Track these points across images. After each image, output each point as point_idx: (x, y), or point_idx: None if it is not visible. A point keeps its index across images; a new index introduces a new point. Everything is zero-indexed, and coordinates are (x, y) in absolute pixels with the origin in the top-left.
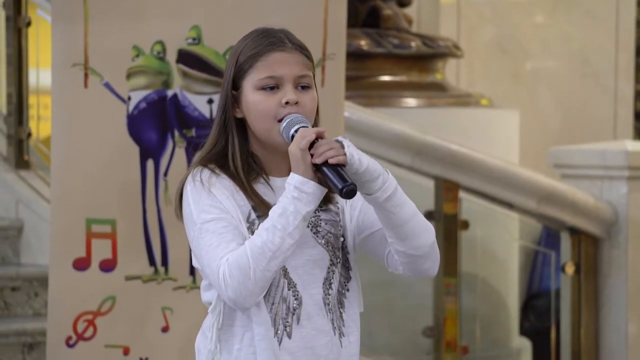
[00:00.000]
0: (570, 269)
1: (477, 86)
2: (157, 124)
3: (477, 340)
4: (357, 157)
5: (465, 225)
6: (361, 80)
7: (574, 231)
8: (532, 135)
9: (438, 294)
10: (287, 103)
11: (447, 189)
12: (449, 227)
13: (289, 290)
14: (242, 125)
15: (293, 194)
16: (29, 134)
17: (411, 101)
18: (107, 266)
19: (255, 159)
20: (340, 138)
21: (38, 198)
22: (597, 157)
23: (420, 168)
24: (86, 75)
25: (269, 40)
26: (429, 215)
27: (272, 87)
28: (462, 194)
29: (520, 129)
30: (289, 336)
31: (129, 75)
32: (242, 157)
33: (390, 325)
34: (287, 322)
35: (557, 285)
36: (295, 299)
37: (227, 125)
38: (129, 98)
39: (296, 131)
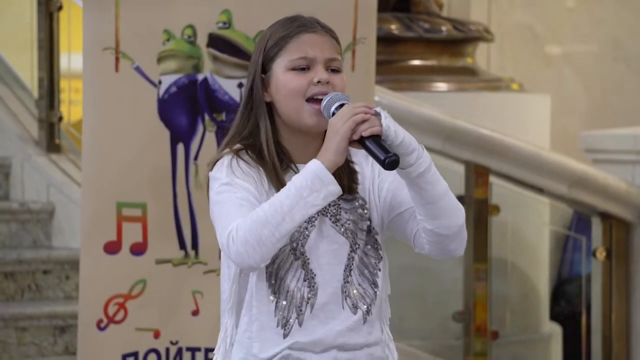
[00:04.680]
0: (601, 254)
1: (508, 70)
2: (187, 108)
3: (507, 326)
4: (393, 129)
5: (496, 210)
6: (392, 65)
7: (605, 216)
8: (564, 120)
9: (468, 279)
10: (319, 82)
11: (477, 174)
12: (479, 212)
13: (305, 281)
14: (270, 111)
15: (314, 186)
16: (60, 118)
17: (442, 85)
18: (138, 250)
19: (282, 149)
20: (378, 109)
21: (69, 182)
22: (629, 141)
23: (450, 152)
24: (117, 59)
25: (300, 22)
26: (459, 200)
27: (304, 67)
28: (492, 179)
29: (552, 114)
30: (300, 324)
31: (159, 59)
32: (274, 145)
33: (421, 310)
34: (301, 310)
35: (587, 271)
36: (311, 290)
37: (257, 111)
38: (160, 82)
39: (337, 108)
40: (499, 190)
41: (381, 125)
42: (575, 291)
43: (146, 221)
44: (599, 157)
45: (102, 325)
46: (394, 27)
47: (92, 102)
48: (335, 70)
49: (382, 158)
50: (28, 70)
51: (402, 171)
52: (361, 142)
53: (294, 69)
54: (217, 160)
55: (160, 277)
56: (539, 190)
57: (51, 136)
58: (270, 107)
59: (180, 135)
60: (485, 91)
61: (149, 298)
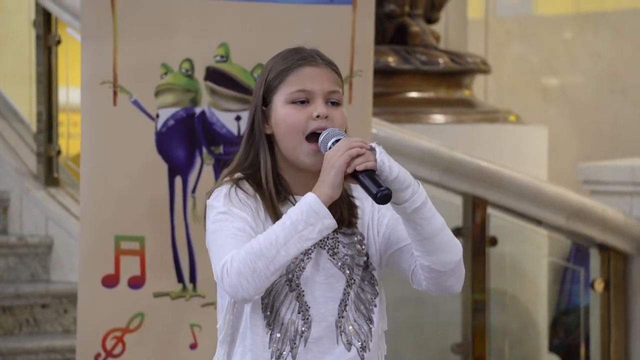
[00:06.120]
0: (599, 286)
1: (505, 102)
2: (185, 141)
3: (505, 357)
4: (388, 165)
5: (494, 241)
6: (389, 97)
7: (604, 248)
8: (561, 152)
9: (466, 310)
10: (317, 116)
11: (475, 205)
12: (477, 243)
13: (299, 313)
14: (270, 143)
15: (310, 219)
16: (59, 152)
17: (439, 117)
18: (136, 283)
19: (282, 180)
20: (373, 144)
21: (67, 215)
22: (627, 173)
23: (448, 184)
24: (115, 92)
25: (300, 55)
26: (457, 232)
27: (303, 101)
28: (490, 210)
29: (549, 145)
30: (294, 358)
31: (157, 93)
32: (272, 176)
33: (419, 341)
34: (295, 343)
35: (586, 302)
36: (305, 323)
37: (258, 142)
38: (158, 115)
39: (334, 143)
40: (497, 221)
41: (376, 160)
42: (574, 323)
43: (144, 254)
44: (596, 188)
45: (101, 359)
46: (391, 60)
47: (90, 136)
48: (335, 103)
49: (374, 192)
50: (26, 104)
51: (398, 207)
52: (355, 177)
53: (293, 103)
54: (216, 189)
55: (158, 310)
56: (537, 221)
57: (49, 170)
58: (271, 139)
59: (178, 168)
60: (482, 123)
61: (147, 332)
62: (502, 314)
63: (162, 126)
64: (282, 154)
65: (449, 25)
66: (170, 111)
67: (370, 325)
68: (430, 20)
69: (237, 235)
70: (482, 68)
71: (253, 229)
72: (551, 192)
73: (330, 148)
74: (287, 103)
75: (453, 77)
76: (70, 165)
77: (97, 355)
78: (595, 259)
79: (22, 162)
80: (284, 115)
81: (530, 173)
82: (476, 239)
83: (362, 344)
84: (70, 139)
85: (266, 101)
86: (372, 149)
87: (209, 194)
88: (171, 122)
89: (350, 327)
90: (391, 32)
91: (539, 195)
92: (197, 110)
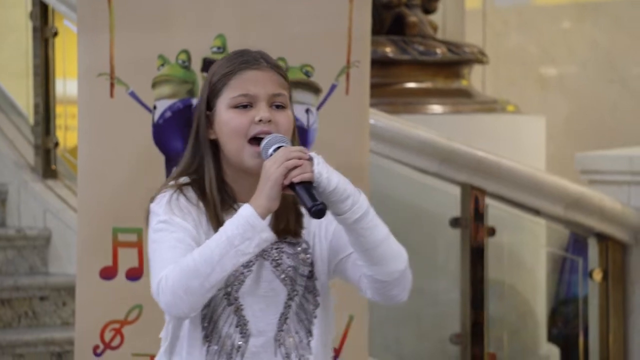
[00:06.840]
0: (597, 276)
1: (503, 92)
2: (182, 133)
3: (504, 348)
4: (326, 176)
5: (492, 231)
6: (386, 88)
7: (602, 237)
8: (559, 141)
9: (465, 301)
10: (260, 121)
11: (473, 196)
12: (475, 233)
13: (237, 327)
14: (215, 148)
15: (246, 233)
16: (56, 144)
17: (437, 108)
18: (134, 275)
19: (226, 187)
20: (312, 154)
21: (65, 207)
22: (625, 162)
23: (446, 175)
24: (112, 84)
25: (244, 58)
26: (455, 222)
27: (246, 105)
28: (488, 201)
29: (547, 135)
30: None
31: (154, 85)
32: (217, 184)
33: (418, 332)
34: (231, 357)
35: (584, 292)
36: (242, 337)
37: (201, 147)
38: (155, 107)
39: (275, 150)
40: (495, 212)
41: (313, 172)
42: (572, 312)
43: (142, 246)
44: (594, 178)
45: (99, 351)
46: (388, 50)
47: (87, 128)
48: (280, 107)
49: (309, 206)
50: (24, 97)
51: (338, 217)
52: (292, 188)
53: (235, 107)
54: (159, 194)
55: (156, 302)
56: (535, 211)
57: (47, 162)
58: (216, 144)
59: (176, 159)
60: (480, 113)
61: (146, 323)
62: (500, 305)
63: (159, 118)
64: (227, 159)
65: (446, 16)
66: (167, 103)
67: (310, 338)
68: (428, 10)
69: (176, 247)
70: (480, 58)
71: (194, 238)
72: (549, 182)
73: (271, 156)
74: (230, 107)
75: (451, 67)
76: (67, 157)
77: (96, 347)
78: (593, 249)
79: (19, 154)
80: (227, 119)
81: (529, 163)
82: (474, 229)
83: (299, 358)
84: (68, 131)
85: (210, 105)
86: (311, 159)
87: (152, 199)
88: (168, 114)
89: (291, 339)
90: (388, 22)
91: (537, 185)
92: (194, 101)
